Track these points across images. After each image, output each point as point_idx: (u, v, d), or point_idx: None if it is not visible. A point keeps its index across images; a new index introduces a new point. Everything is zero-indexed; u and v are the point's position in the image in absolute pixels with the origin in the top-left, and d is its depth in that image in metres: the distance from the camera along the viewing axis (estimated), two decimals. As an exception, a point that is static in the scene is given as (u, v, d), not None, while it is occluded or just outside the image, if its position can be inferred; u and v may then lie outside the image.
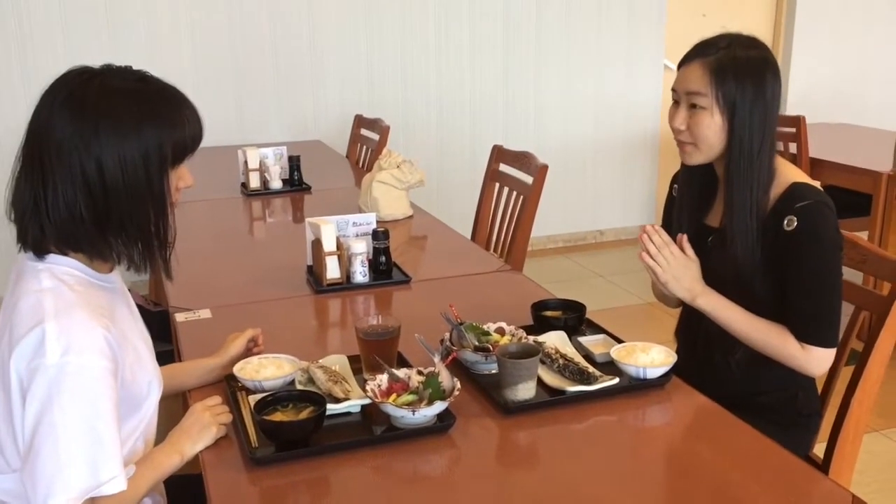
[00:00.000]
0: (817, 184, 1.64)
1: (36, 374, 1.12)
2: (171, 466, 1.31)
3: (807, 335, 1.59)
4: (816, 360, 1.60)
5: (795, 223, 1.57)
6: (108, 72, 1.24)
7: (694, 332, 1.79)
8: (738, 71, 1.58)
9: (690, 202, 1.78)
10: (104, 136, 1.18)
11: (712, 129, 1.61)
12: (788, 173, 1.65)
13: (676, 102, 1.68)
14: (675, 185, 1.86)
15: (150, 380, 1.33)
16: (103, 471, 1.14)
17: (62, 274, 1.22)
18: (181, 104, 1.27)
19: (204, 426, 1.35)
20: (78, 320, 1.16)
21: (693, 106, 1.63)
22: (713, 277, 1.68)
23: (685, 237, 1.69)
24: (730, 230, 1.64)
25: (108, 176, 1.18)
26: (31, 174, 1.20)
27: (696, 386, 1.53)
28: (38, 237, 1.22)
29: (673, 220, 1.82)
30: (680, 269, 1.66)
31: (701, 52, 1.63)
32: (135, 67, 1.27)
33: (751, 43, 1.63)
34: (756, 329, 1.63)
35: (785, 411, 1.73)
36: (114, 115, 1.18)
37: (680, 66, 1.67)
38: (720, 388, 1.55)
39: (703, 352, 1.76)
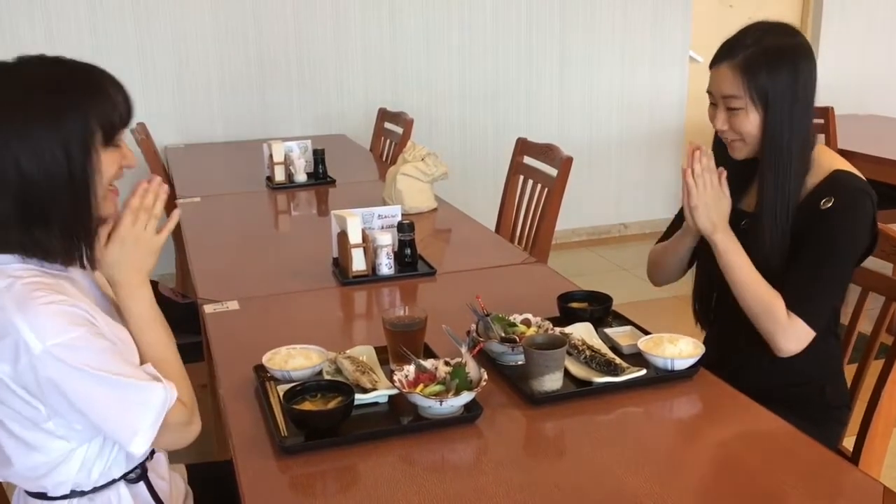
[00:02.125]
0: (860, 174, 1.62)
1: (35, 371, 1.14)
2: (150, 300, 1.32)
3: (797, 305, 1.57)
4: (795, 334, 1.58)
5: (832, 202, 1.56)
6: (21, 64, 1.20)
7: (707, 313, 1.80)
8: (769, 62, 1.57)
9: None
10: (17, 136, 1.15)
11: (754, 125, 1.62)
12: (831, 161, 1.64)
13: (714, 104, 1.67)
14: None
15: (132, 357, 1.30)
16: (153, 401, 1.20)
17: (14, 271, 1.21)
18: (100, 81, 1.23)
19: (143, 248, 1.31)
20: (41, 304, 1.15)
21: (731, 107, 1.62)
22: None
23: (724, 173, 1.68)
24: (760, 216, 1.64)
25: (27, 173, 1.16)
26: None
27: (723, 379, 1.52)
28: None
29: None
30: (713, 197, 1.65)
31: (728, 53, 1.61)
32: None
33: (781, 30, 1.62)
34: (753, 282, 1.62)
35: (813, 404, 1.72)
36: (25, 111, 1.15)
37: (711, 66, 1.66)
38: (746, 382, 1.54)
39: (724, 344, 1.75)
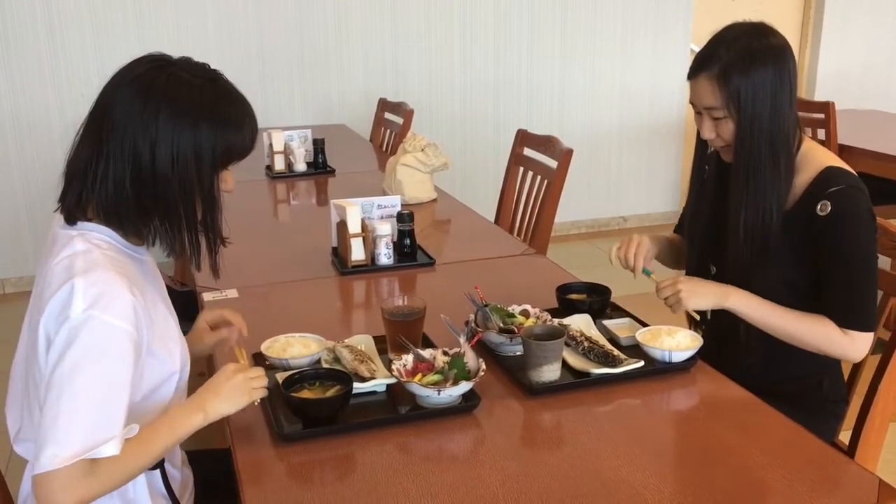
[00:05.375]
0: (850, 169, 1.62)
1: (61, 327, 1.13)
2: (192, 427, 1.23)
3: (849, 321, 1.57)
4: (859, 345, 1.58)
5: (830, 208, 1.55)
6: (183, 64, 1.26)
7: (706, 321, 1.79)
8: (744, 68, 1.55)
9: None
10: (162, 122, 1.20)
11: None
12: (821, 157, 1.63)
13: (699, 113, 1.66)
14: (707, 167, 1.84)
15: (179, 354, 1.34)
16: (100, 433, 1.11)
17: (94, 239, 1.24)
18: (243, 111, 1.29)
19: (234, 387, 1.26)
20: (106, 279, 1.17)
21: (715, 117, 1.62)
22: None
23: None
24: (739, 212, 1.63)
25: (159, 162, 1.20)
26: (89, 143, 1.23)
27: (722, 373, 1.53)
28: (74, 203, 1.24)
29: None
30: (691, 283, 1.62)
31: (705, 64, 1.59)
32: (205, 64, 1.30)
33: (755, 32, 1.60)
34: (792, 321, 1.60)
35: (810, 397, 1.72)
36: (176, 105, 1.21)
37: (689, 78, 1.64)
38: (744, 376, 1.54)
39: (720, 341, 1.76)
